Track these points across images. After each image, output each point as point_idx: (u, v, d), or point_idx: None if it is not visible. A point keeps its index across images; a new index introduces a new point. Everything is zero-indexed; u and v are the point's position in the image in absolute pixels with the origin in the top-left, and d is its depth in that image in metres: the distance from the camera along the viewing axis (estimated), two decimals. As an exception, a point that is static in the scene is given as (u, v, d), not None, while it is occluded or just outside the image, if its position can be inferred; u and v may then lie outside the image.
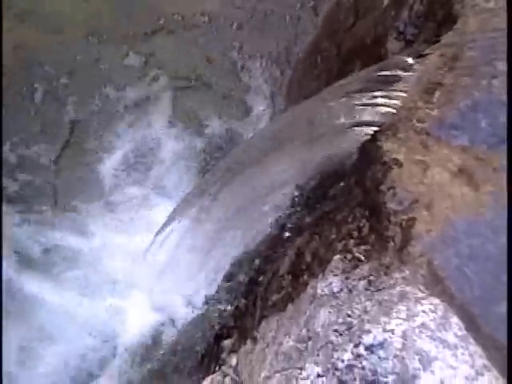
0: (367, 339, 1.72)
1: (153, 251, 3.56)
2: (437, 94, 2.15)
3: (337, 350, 1.75)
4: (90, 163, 4.54)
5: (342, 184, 2.51)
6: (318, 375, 1.71)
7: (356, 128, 2.37)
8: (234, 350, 2.46)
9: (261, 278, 2.77)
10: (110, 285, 4.32)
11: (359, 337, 1.74)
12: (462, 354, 1.68)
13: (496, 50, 2.09)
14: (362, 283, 1.92)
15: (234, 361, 2.33)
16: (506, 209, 1.86)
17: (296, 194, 2.97)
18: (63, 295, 4.30)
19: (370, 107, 2.33)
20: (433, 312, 1.75)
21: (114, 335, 4.20)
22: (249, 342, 2.31)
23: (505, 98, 2.02)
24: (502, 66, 2.07)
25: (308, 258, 2.36)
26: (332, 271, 2.05)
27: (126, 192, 4.49)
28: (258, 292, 2.69)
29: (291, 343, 1.93)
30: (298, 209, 2.87)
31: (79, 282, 4.33)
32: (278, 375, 1.83)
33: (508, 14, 2.11)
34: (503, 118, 2.00)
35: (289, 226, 2.87)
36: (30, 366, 4.16)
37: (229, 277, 3.30)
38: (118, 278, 4.31)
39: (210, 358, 2.68)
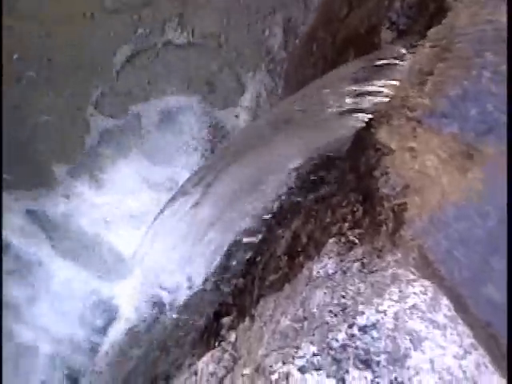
0: (361, 320, 1.71)
1: (154, 229, 3.56)
2: (428, 83, 2.13)
3: (332, 330, 1.74)
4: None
5: (336, 169, 2.49)
6: (314, 354, 1.70)
7: (351, 115, 2.35)
8: (232, 327, 2.46)
9: (258, 258, 2.77)
10: (111, 261, 4.31)
11: (353, 317, 1.73)
12: (451, 333, 1.68)
13: (485, 42, 2.07)
14: (356, 265, 1.91)
15: (232, 337, 2.33)
16: (493, 194, 1.85)
17: (292, 178, 2.96)
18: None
19: (364, 95, 2.31)
20: (423, 294, 1.74)
21: (115, 309, 4.21)
22: (247, 319, 2.30)
23: (494, 87, 2.00)
24: (492, 57, 2.05)
25: (304, 240, 2.35)
26: (327, 254, 2.04)
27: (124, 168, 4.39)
28: (255, 272, 2.69)
29: (288, 322, 1.92)
30: (295, 192, 2.86)
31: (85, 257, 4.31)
32: (275, 353, 1.82)
33: (508, 9, 2.09)
34: (492, 107, 1.99)
35: (285, 208, 2.86)
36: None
37: (227, 256, 3.29)
38: (119, 254, 4.30)
39: (210, 334, 2.68)
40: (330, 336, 1.73)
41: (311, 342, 1.75)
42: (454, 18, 2.18)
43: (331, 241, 2.09)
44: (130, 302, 4.12)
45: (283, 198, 2.94)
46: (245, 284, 2.76)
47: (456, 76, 2.09)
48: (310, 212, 2.48)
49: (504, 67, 1.96)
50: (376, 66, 2.32)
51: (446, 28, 2.17)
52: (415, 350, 1.63)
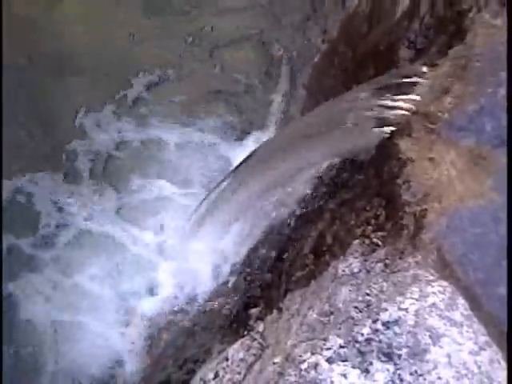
0: (384, 316, 1.72)
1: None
2: (447, 99, 2.13)
3: (357, 325, 1.74)
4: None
5: (360, 175, 2.50)
6: (340, 346, 1.71)
7: (375, 127, 2.35)
8: (260, 318, 2.47)
9: (285, 255, 2.77)
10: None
11: (377, 314, 1.74)
12: (467, 331, 1.68)
13: (501, 62, 2.06)
14: (379, 265, 1.91)
15: (260, 327, 2.33)
16: (505, 201, 1.85)
17: (317, 181, 2.96)
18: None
19: (388, 109, 2.31)
20: (442, 293, 1.74)
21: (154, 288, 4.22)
22: (274, 311, 2.31)
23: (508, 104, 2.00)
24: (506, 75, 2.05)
25: (329, 240, 2.35)
26: (352, 254, 2.05)
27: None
28: (282, 268, 2.69)
29: (315, 316, 1.93)
30: (320, 194, 2.86)
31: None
32: (303, 344, 1.82)
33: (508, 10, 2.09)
34: (505, 122, 1.99)
35: (311, 209, 2.86)
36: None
37: (255, 249, 3.30)
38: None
39: (239, 324, 2.68)
40: (356, 330, 1.73)
41: (338, 335, 1.75)
42: (472, 38, 2.17)
43: (356, 242, 2.09)
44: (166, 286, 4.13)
45: (309, 199, 2.95)
46: (272, 279, 2.77)
47: (473, 93, 2.08)
48: (335, 214, 2.49)
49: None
50: (400, 82, 2.32)
51: (466, 47, 2.17)
52: (434, 345, 1.63)
